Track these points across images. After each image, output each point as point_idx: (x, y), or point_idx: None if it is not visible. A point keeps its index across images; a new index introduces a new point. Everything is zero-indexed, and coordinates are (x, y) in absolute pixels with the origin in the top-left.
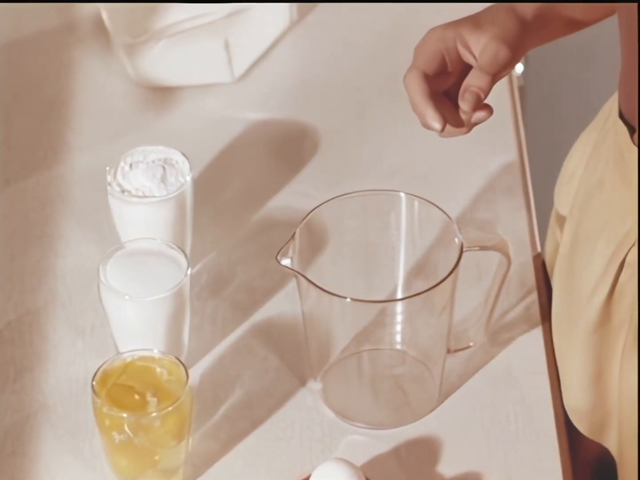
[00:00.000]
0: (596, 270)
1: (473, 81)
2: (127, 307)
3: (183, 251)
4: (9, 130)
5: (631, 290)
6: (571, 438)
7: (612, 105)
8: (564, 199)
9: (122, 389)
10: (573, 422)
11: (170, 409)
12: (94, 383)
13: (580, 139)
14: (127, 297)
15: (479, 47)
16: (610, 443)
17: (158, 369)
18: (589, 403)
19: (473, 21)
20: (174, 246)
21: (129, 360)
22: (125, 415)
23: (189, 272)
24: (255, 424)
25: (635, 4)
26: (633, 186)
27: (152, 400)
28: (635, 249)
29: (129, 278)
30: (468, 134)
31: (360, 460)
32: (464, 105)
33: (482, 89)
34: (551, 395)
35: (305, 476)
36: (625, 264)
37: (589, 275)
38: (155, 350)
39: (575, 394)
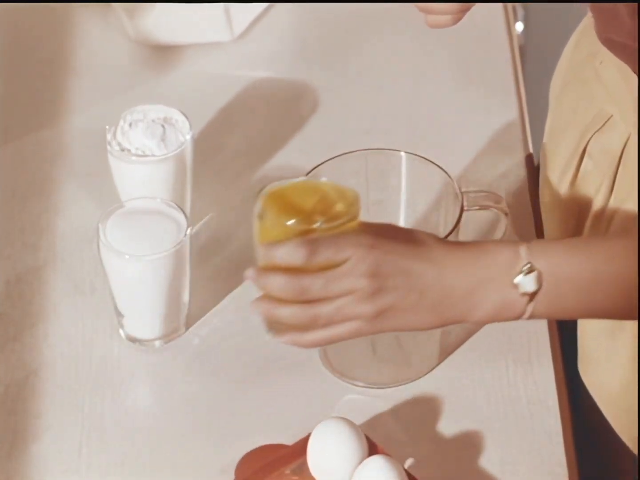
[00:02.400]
0: (562, 159)
1: None
2: (126, 266)
3: (183, 210)
4: (8, 89)
5: (594, 180)
6: (572, 398)
7: None
8: (552, 89)
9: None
10: None
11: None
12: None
13: (578, 27)
14: (126, 256)
15: None
16: None
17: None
18: None
19: None
20: (174, 205)
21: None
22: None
23: (188, 231)
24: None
25: (635, 4)
26: (602, 80)
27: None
28: (596, 138)
29: (129, 237)
30: (472, 98)
31: (359, 419)
32: None
33: None
34: (551, 352)
35: (304, 435)
36: (586, 153)
37: (557, 165)
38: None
39: None
